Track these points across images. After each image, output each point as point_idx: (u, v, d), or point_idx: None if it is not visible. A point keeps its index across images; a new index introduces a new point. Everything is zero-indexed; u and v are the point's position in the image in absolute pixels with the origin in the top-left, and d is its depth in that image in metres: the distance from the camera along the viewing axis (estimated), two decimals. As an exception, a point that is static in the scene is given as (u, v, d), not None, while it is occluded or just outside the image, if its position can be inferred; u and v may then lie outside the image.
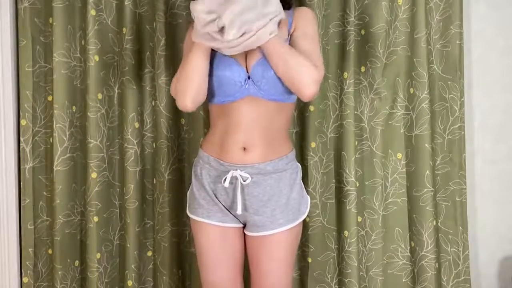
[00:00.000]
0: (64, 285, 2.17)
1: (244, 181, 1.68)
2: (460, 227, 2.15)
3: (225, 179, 1.68)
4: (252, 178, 1.68)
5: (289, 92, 1.67)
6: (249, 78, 1.64)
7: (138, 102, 2.17)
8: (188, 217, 1.86)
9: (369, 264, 2.16)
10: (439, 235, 2.17)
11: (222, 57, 1.67)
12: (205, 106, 2.02)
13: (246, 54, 1.66)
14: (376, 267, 2.15)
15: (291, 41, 1.68)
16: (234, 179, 1.69)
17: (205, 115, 2.14)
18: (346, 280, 2.11)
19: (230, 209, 1.72)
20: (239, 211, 1.68)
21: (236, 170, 1.67)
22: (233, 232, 1.74)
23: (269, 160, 1.68)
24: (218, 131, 1.72)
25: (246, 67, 1.66)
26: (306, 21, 1.71)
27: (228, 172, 1.68)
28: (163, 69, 2.10)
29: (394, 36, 2.10)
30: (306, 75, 1.58)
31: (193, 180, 1.78)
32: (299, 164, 1.81)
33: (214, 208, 1.72)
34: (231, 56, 1.65)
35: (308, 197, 1.80)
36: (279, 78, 1.63)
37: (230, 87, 1.65)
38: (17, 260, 2.20)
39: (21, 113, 2.16)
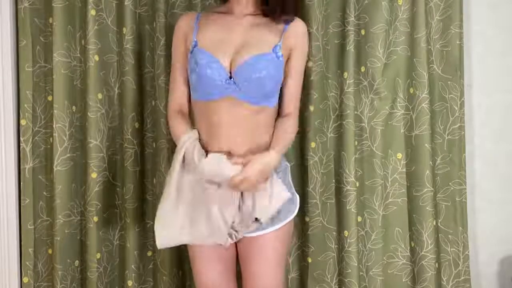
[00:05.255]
0: (64, 285, 2.17)
1: None
2: (460, 227, 2.15)
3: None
4: None
5: (269, 96, 1.68)
6: (230, 78, 1.65)
7: (138, 102, 2.17)
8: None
9: (369, 264, 2.16)
10: (439, 235, 2.17)
11: (204, 54, 1.67)
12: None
13: (232, 55, 1.67)
14: (376, 267, 2.15)
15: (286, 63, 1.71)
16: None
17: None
18: (346, 280, 2.10)
19: None
20: None
21: None
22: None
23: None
24: (202, 132, 1.72)
25: (231, 66, 1.66)
26: (300, 45, 1.74)
27: None
28: (163, 69, 2.10)
29: (394, 36, 2.10)
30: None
31: None
32: (288, 164, 1.83)
33: None
34: (215, 56, 1.66)
35: (297, 195, 1.82)
36: (262, 82, 1.64)
37: (210, 85, 1.66)
38: (17, 260, 2.20)
39: (21, 113, 2.16)
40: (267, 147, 1.70)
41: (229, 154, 1.66)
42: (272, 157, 1.64)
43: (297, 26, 1.75)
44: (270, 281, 1.71)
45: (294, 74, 1.75)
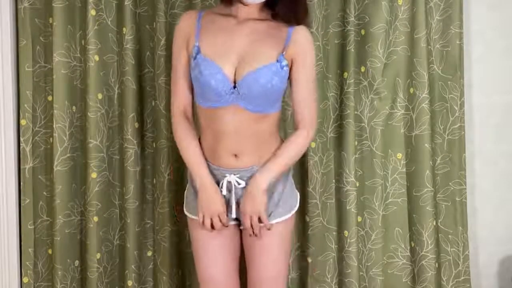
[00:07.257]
0: (64, 285, 2.17)
1: (239, 184, 1.70)
2: (460, 227, 2.16)
3: (221, 186, 1.71)
4: (246, 181, 1.70)
5: (273, 104, 1.68)
6: (235, 87, 1.63)
7: (138, 102, 2.17)
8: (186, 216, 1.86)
9: (369, 264, 2.16)
10: (439, 235, 2.17)
11: (208, 64, 1.64)
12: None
13: (236, 64, 1.64)
14: (376, 267, 2.15)
15: (290, 75, 1.68)
16: (229, 183, 1.71)
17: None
18: (346, 280, 2.11)
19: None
20: (233, 215, 1.72)
21: (231, 175, 1.70)
22: (227, 228, 1.75)
23: (262, 163, 1.70)
24: (208, 138, 1.72)
25: (235, 75, 1.64)
26: (304, 52, 1.68)
27: (223, 176, 1.70)
28: (163, 69, 2.10)
29: (394, 36, 2.10)
30: (304, 149, 1.75)
31: (190, 181, 1.79)
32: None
33: None
34: (219, 65, 1.63)
35: (298, 192, 1.82)
36: (267, 94, 1.63)
37: (214, 94, 1.64)
38: (17, 260, 2.20)
39: (21, 113, 2.16)
40: (272, 148, 1.71)
41: (235, 157, 1.68)
42: (257, 182, 1.66)
43: (300, 33, 1.68)
44: (273, 272, 1.73)
45: (303, 81, 1.69)
